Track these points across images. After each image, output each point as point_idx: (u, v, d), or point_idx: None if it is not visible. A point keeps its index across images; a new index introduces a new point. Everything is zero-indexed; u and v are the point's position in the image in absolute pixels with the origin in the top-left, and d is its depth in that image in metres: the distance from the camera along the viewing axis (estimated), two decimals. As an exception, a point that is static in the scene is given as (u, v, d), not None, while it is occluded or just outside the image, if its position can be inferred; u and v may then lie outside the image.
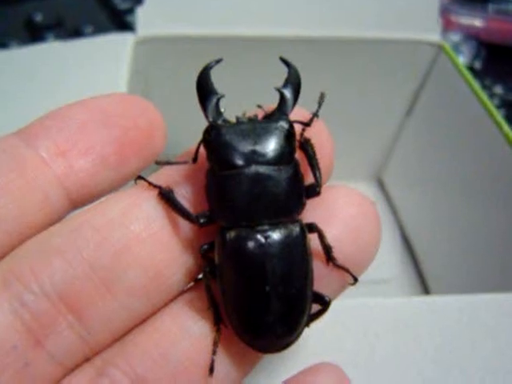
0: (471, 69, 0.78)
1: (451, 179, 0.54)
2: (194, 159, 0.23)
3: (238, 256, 0.22)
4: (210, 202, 0.22)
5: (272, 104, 0.24)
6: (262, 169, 0.21)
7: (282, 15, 0.52)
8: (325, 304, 0.24)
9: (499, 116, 0.47)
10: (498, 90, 0.77)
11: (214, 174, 0.22)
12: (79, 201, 0.23)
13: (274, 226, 0.22)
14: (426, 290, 0.57)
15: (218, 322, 0.23)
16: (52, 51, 0.49)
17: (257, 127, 0.22)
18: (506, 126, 0.46)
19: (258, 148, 0.21)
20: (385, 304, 0.31)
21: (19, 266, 0.21)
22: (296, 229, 0.22)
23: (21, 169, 0.22)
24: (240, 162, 0.21)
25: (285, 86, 0.23)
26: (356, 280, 0.24)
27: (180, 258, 0.23)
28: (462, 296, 0.32)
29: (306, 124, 0.24)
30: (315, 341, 0.27)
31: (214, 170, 0.22)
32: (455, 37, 0.80)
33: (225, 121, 0.23)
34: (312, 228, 0.23)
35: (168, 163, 0.23)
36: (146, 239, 0.22)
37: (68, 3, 0.73)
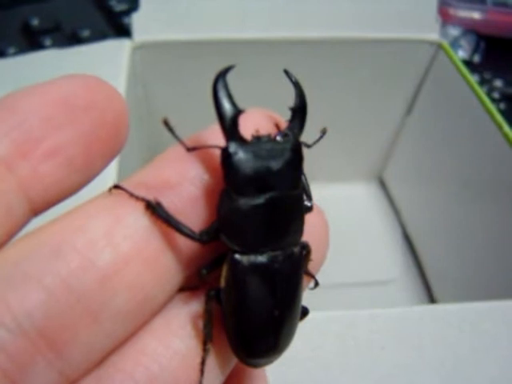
0: (471, 63, 0.78)
1: (452, 178, 0.54)
2: (191, 149, 0.20)
3: (248, 281, 0.21)
4: (222, 225, 0.21)
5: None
6: (279, 195, 0.21)
7: (279, 17, 0.52)
8: (304, 315, 0.24)
9: (499, 116, 0.47)
10: (498, 83, 0.76)
11: (231, 197, 0.20)
12: (40, 208, 0.20)
13: (283, 250, 0.21)
14: (428, 290, 0.57)
15: (208, 341, 0.22)
16: (49, 58, 0.49)
17: (274, 149, 0.21)
18: (505, 127, 0.46)
19: (276, 173, 0.20)
20: (387, 314, 0.31)
21: None
22: (298, 251, 0.22)
23: None
24: (258, 187, 0.20)
25: (295, 104, 0.22)
26: (317, 284, 0.24)
27: (170, 277, 0.21)
28: (465, 304, 0.32)
29: (309, 146, 0.23)
30: (320, 353, 0.27)
31: (231, 193, 0.20)
32: (454, 31, 0.79)
33: (241, 139, 0.21)
34: (304, 247, 0.23)
35: (173, 133, 0.20)
36: (134, 259, 0.19)
37: (63, 6, 0.72)
